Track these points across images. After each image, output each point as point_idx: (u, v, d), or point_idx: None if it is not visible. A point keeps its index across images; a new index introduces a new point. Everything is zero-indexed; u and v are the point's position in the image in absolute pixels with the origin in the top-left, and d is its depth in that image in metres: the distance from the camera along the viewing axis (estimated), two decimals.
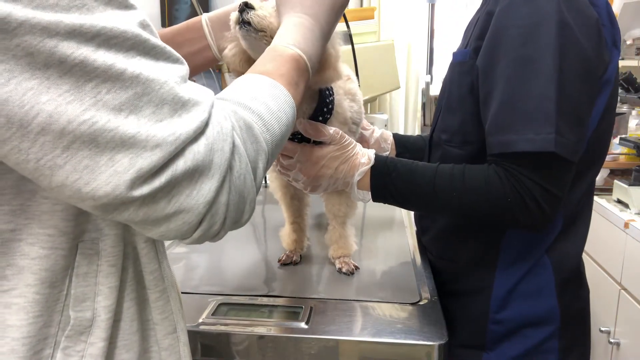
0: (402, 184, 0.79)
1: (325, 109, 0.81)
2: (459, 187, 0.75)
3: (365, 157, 0.81)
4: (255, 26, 0.70)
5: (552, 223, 0.79)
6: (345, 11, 1.30)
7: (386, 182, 0.80)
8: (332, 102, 0.82)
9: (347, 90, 0.89)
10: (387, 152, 1.06)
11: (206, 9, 2.79)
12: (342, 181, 0.82)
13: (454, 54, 0.86)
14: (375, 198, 0.82)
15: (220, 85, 2.81)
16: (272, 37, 0.69)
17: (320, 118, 0.81)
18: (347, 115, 0.86)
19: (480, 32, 0.77)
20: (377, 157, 0.81)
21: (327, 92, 0.81)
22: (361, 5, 2.66)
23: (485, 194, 0.73)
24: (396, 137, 1.08)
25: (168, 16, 2.86)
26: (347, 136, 0.82)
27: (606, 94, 0.76)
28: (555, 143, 0.68)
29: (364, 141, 1.05)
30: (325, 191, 0.85)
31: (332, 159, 0.80)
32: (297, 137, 0.81)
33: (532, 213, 0.71)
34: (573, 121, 0.70)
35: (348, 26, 1.24)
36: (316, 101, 0.80)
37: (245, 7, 0.70)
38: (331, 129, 0.80)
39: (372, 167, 0.80)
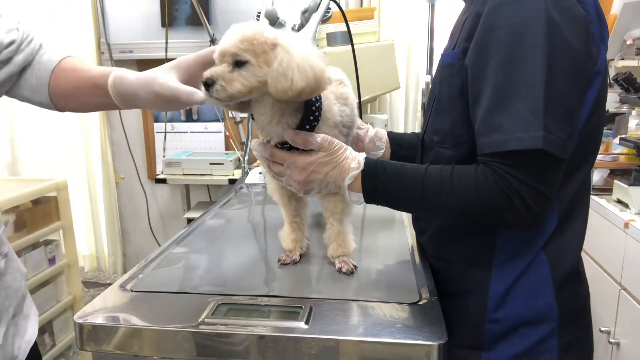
0: (392, 186, 0.79)
1: (311, 117, 0.82)
2: (447, 189, 0.75)
3: (355, 161, 0.82)
4: (222, 99, 0.75)
5: (542, 221, 0.79)
6: (345, 11, 1.31)
7: (376, 185, 0.80)
8: (319, 108, 0.83)
9: (339, 94, 0.90)
10: (382, 151, 1.06)
11: (206, 9, 2.79)
12: (334, 185, 0.83)
13: (443, 56, 0.86)
14: (367, 200, 0.82)
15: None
16: (246, 94, 0.75)
17: (307, 127, 0.82)
18: (336, 120, 0.86)
19: (468, 33, 0.77)
20: (367, 161, 0.82)
21: (313, 100, 0.81)
22: (361, 5, 2.66)
23: (473, 195, 0.73)
24: (390, 135, 1.08)
25: (168, 16, 2.87)
26: (336, 141, 0.82)
27: (595, 89, 0.77)
28: (544, 140, 0.68)
29: (358, 140, 1.05)
30: (319, 194, 0.86)
31: (321, 164, 0.81)
32: (285, 146, 0.82)
33: (520, 212, 0.71)
34: (562, 119, 0.70)
35: (348, 26, 1.24)
36: (302, 111, 0.81)
37: (207, 85, 0.74)
38: (319, 137, 0.81)
39: (362, 171, 0.81)
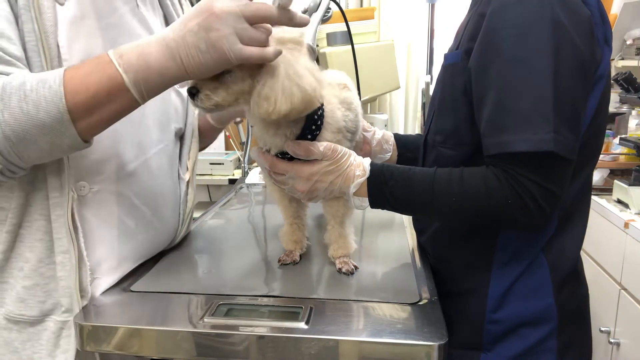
0: (400, 192, 0.79)
1: (313, 126, 0.80)
2: (458, 192, 0.74)
3: (360, 168, 0.80)
4: (207, 108, 0.72)
5: (548, 222, 0.79)
6: (345, 11, 1.30)
7: (384, 192, 0.79)
8: (321, 116, 0.81)
9: (343, 99, 0.88)
10: (389, 153, 1.05)
11: None
12: (338, 191, 0.82)
13: (446, 56, 0.85)
14: (373, 206, 0.81)
15: None
16: (232, 103, 0.72)
17: (309, 136, 0.80)
18: (340, 125, 0.85)
19: (472, 33, 0.77)
20: (373, 167, 0.80)
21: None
22: (361, 5, 2.66)
23: (485, 197, 0.73)
24: (396, 137, 1.08)
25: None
26: (339, 148, 0.81)
27: (599, 91, 0.76)
28: (554, 142, 0.68)
29: (365, 143, 1.04)
30: (324, 199, 0.85)
31: (326, 173, 0.80)
32: (286, 156, 0.81)
33: (532, 213, 0.71)
34: (570, 120, 0.70)
35: (348, 26, 1.24)
36: (302, 121, 0.79)
37: (191, 94, 0.72)
38: (322, 146, 0.79)
39: (369, 178, 0.80)
